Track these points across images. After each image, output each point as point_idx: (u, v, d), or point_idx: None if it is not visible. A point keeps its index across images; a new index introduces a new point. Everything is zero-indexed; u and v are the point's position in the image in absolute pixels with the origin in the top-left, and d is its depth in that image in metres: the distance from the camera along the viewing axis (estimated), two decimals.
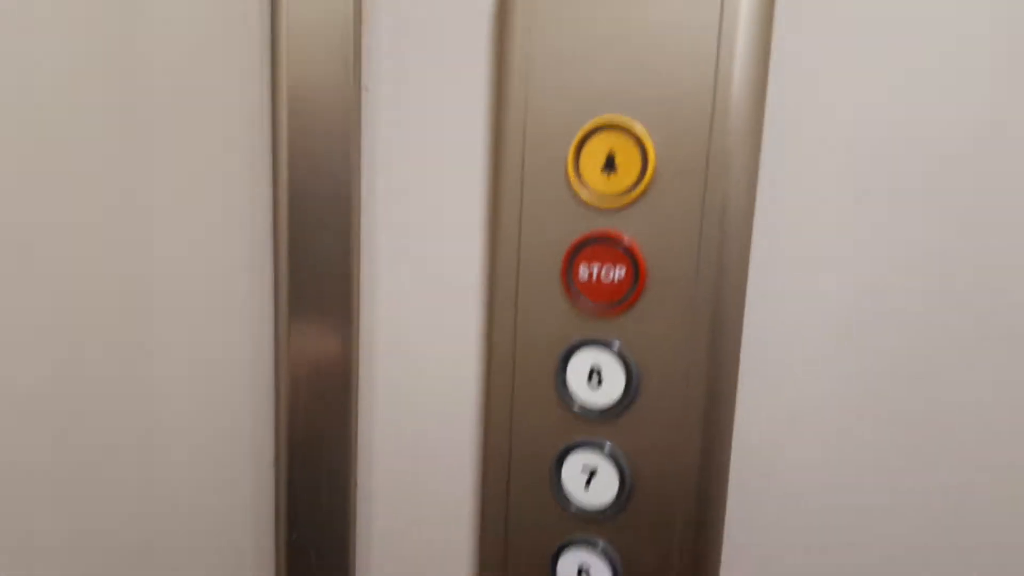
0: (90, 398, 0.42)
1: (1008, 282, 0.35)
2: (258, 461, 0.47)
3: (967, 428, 0.36)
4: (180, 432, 0.45)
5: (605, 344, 0.38)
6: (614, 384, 0.38)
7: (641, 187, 0.36)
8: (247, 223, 0.43)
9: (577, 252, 0.37)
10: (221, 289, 0.44)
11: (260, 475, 0.47)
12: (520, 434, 0.40)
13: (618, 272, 0.37)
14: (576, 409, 0.39)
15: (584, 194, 0.37)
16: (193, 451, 0.45)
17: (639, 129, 0.36)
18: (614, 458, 0.39)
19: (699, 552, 0.39)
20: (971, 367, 0.36)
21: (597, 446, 0.39)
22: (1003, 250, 0.35)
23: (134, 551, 0.45)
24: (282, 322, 0.44)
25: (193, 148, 0.41)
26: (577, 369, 0.39)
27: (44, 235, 0.37)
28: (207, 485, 0.46)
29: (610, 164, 0.36)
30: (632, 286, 0.37)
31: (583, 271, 0.37)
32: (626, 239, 0.37)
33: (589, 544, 0.40)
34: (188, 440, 0.45)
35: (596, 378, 0.38)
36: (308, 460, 0.46)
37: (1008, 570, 0.37)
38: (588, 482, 0.40)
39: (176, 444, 0.45)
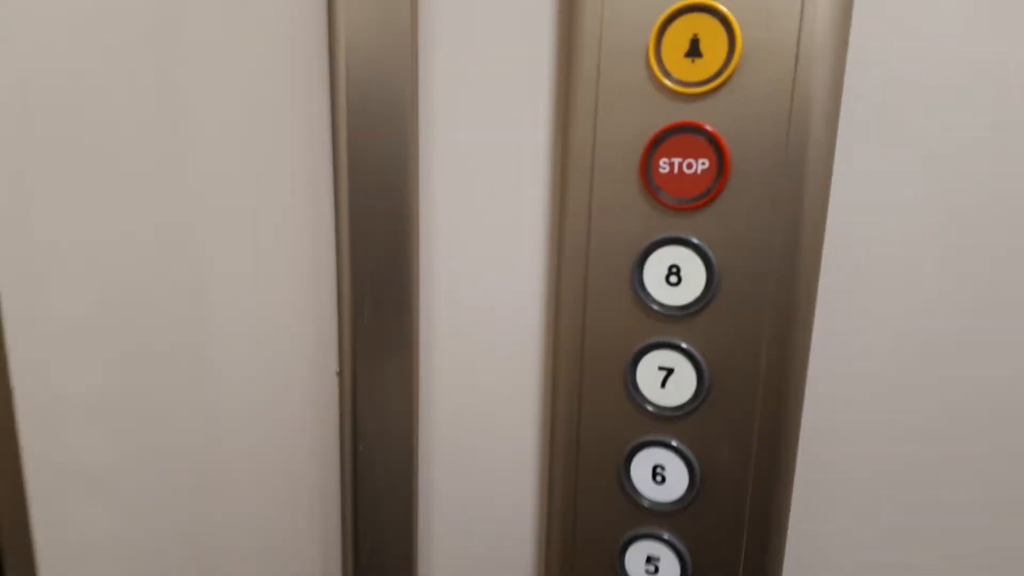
0: (157, 401, 0.42)
1: None
2: (322, 461, 0.47)
3: None
4: (242, 427, 0.45)
5: (685, 241, 0.37)
6: (693, 282, 0.37)
7: (727, 73, 0.34)
8: (310, 222, 0.43)
9: (658, 144, 0.36)
10: (285, 291, 0.43)
11: (325, 475, 0.47)
12: (593, 334, 0.40)
13: (701, 164, 0.36)
14: (655, 307, 0.38)
15: (666, 82, 0.35)
16: (256, 448, 0.45)
17: (725, 10, 0.34)
18: (691, 356, 0.38)
19: (774, 456, 0.39)
20: None
21: (674, 346, 0.38)
22: None
23: (199, 548, 0.46)
24: (345, 309, 0.43)
25: (257, 150, 0.40)
26: (655, 268, 0.38)
27: (119, 246, 0.37)
28: (269, 479, 0.46)
29: (694, 49, 0.35)
30: (716, 179, 0.35)
31: (663, 164, 0.36)
32: (710, 129, 0.35)
33: (663, 445, 0.40)
34: (251, 435, 0.45)
35: (676, 276, 0.37)
36: (374, 457, 0.45)
37: None
38: (664, 382, 0.39)
39: (239, 440, 0.45)
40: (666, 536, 0.41)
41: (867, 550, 0.41)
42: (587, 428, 0.41)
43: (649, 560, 0.42)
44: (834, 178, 0.36)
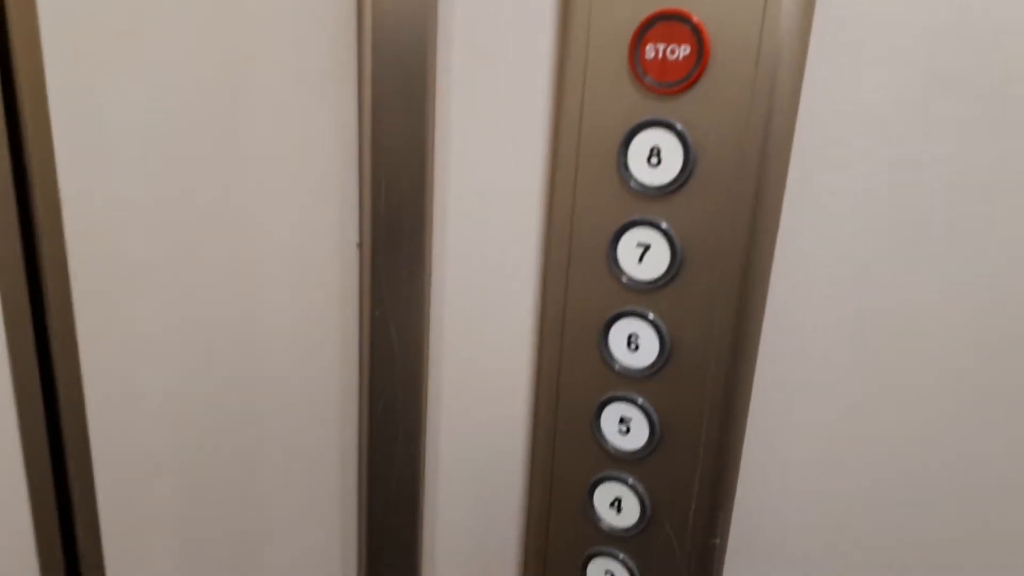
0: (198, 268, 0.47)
1: None
2: (343, 325, 0.52)
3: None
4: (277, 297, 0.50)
5: (667, 124, 0.40)
6: (672, 163, 0.41)
7: None
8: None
9: (646, 30, 0.39)
10: (315, 174, 0.48)
11: (347, 337, 0.52)
12: (581, 213, 0.44)
13: (683, 50, 0.39)
14: (634, 186, 0.42)
15: None
16: (288, 311, 0.51)
17: None
18: (668, 236, 0.42)
19: (739, 328, 0.42)
20: None
21: (653, 224, 0.42)
22: None
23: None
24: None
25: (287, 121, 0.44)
26: (639, 149, 0.41)
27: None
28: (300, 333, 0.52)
29: None
30: (696, 63, 0.39)
31: (650, 50, 0.39)
32: (695, 18, 0.38)
33: (639, 316, 0.44)
34: (285, 300, 0.51)
35: (656, 158, 0.41)
36: (388, 321, 0.50)
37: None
38: (641, 257, 0.43)
39: (272, 305, 0.51)
40: (640, 401, 0.45)
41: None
42: (572, 300, 0.46)
43: (622, 420, 0.46)
44: (807, 66, 0.39)
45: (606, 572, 0.49)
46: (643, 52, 0.39)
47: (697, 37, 0.38)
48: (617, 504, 0.48)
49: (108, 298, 0.46)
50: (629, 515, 0.47)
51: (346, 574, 0.59)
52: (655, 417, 0.45)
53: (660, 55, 0.39)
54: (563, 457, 0.49)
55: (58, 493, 0.47)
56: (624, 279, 0.43)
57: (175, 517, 0.52)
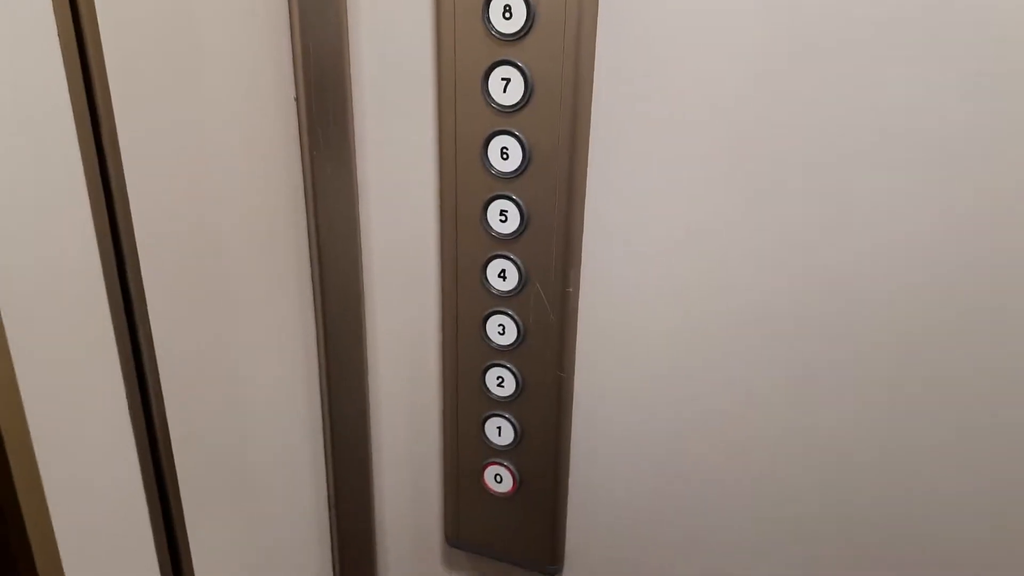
0: None
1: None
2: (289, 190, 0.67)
3: None
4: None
5: None
6: (519, 17, 0.58)
7: None
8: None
9: None
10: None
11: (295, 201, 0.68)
12: (460, 64, 0.61)
13: None
14: (495, 34, 0.59)
15: None
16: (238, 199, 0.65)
17: None
18: (521, 70, 0.59)
19: (574, 128, 0.61)
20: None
21: (511, 62, 0.59)
22: None
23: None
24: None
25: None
26: (496, 7, 0.58)
27: None
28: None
29: None
30: None
31: None
32: None
33: (507, 133, 0.62)
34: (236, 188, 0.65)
35: (509, 13, 0.58)
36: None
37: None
38: (505, 88, 0.60)
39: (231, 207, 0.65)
40: (513, 197, 0.64)
41: None
42: (460, 127, 0.63)
43: (502, 213, 0.65)
44: None
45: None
46: None
47: None
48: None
49: None
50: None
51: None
52: (525, 210, 0.64)
53: None
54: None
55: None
56: (494, 105, 0.61)
57: None
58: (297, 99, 0.67)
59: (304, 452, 0.78)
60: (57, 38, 0.46)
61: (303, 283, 0.73)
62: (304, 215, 0.71)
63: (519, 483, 0.75)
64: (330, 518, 0.83)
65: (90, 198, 0.50)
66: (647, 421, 0.70)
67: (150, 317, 0.55)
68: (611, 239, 0.65)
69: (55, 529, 0.51)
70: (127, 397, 0.55)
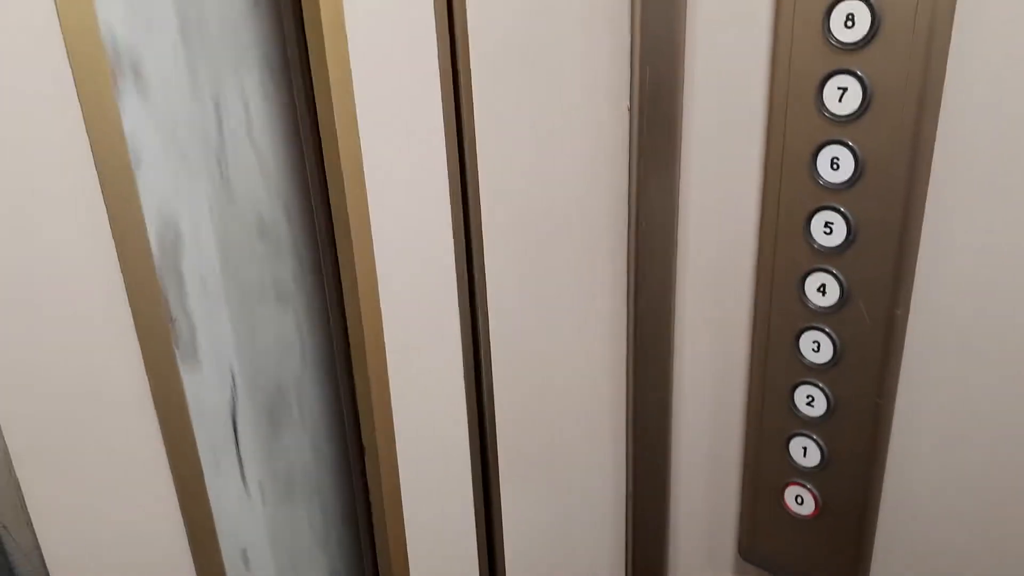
0: None
1: None
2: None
3: None
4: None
5: None
6: (863, 24, 0.56)
7: None
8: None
9: None
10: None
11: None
12: (796, 64, 0.60)
13: None
14: (834, 43, 0.57)
15: None
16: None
17: None
18: (860, 79, 0.57)
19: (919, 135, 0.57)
20: None
21: (849, 71, 0.58)
22: None
23: None
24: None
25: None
26: (838, 17, 0.57)
27: None
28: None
29: None
30: None
31: None
32: None
33: (840, 143, 0.60)
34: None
35: (851, 22, 0.56)
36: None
37: None
38: (841, 97, 0.59)
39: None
40: (841, 209, 0.62)
41: None
42: (789, 137, 0.63)
43: (826, 225, 0.63)
44: None
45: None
46: None
47: None
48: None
49: None
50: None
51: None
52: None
53: None
54: None
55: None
56: (827, 113, 0.60)
57: None
58: (630, 108, 0.72)
59: (606, 441, 0.83)
60: (436, 62, 0.55)
61: (618, 282, 0.77)
62: (626, 217, 0.75)
63: (821, 507, 0.72)
64: (627, 508, 0.87)
65: (450, 201, 0.59)
66: (976, 460, 0.64)
67: (488, 303, 0.64)
68: (950, 259, 0.60)
69: (399, 464, 0.61)
70: (463, 374, 0.64)
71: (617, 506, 0.86)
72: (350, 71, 0.49)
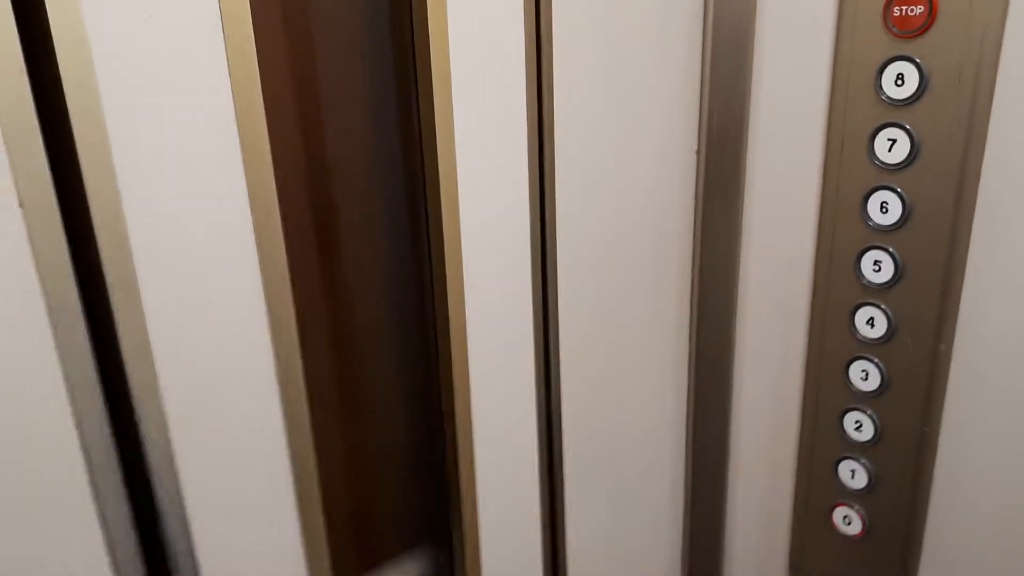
0: None
1: None
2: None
3: None
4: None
5: (908, 58, 0.61)
6: (911, 84, 0.62)
7: None
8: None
9: None
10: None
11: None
12: (849, 120, 0.66)
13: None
14: (885, 99, 0.63)
15: None
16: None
17: None
18: (908, 132, 0.63)
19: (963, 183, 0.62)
20: None
21: (898, 124, 0.63)
22: None
23: None
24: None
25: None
26: (889, 76, 0.63)
27: None
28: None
29: None
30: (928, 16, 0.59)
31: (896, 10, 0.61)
32: None
33: (889, 188, 0.65)
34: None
35: (901, 80, 0.62)
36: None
37: None
38: (891, 148, 0.64)
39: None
40: (889, 249, 0.67)
41: None
42: (843, 182, 0.69)
43: (875, 263, 0.68)
44: None
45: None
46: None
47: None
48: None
49: None
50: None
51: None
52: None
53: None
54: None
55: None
56: (877, 162, 0.66)
57: None
58: (698, 152, 0.79)
59: (667, 454, 0.89)
60: (524, 93, 0.64)
61: (683, 304, 0.84)
62: (691, 250, 0.82)
63: (868, 528, 0.77)
64: (684, 516, 0.93)
65: (530, 219, 0.67)
66: (1022, 490, 0.67)
67: (560, 314, 0.72)
68: (994, 298, 0.65)
69: (475, 453, 0.69)
70: (535, 380, 0.72)
71: (675, 515, 0.92)
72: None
